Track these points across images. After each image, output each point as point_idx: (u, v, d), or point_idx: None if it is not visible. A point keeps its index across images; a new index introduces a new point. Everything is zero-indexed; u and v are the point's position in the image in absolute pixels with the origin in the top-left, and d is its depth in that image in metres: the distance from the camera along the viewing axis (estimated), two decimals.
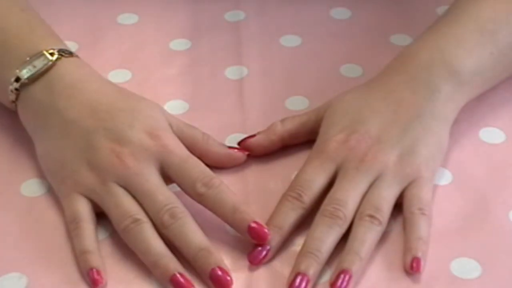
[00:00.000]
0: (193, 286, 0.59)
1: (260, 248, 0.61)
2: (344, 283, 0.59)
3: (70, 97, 0.67)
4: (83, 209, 0.63)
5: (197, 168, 0.64)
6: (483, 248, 0.62)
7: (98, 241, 0.62)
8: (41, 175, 0.68)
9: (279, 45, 0.82)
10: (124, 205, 0.62)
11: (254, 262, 0.61)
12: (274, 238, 0.61)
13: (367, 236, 0.61)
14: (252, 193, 0.67)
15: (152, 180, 0.63)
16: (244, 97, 0.76)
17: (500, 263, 0.61)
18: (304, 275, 0.59)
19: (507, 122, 0.73)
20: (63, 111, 0.66)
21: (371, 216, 0.61)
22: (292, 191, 0.64)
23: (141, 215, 0.62)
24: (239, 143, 0.69)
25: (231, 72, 0.79)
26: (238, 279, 0.60)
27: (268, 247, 0.61)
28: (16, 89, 0.68)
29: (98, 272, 0.60)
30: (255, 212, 0.65)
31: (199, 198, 0.63)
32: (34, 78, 0.68)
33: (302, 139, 0.70)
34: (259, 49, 0.82)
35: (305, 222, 0.64)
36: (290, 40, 0.83)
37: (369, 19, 0.86)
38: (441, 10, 0.84)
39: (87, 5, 0.87)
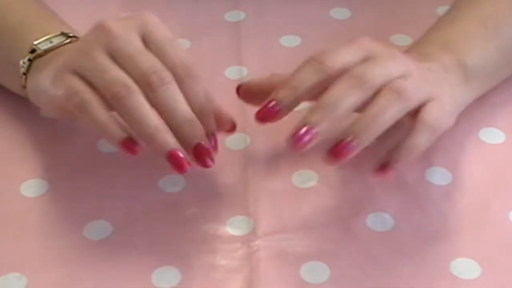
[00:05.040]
0: (189, 164, 0.59)
1: (270, 105, 0.59)
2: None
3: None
4: (79, 83, 0.62)
5: (176, 51, 0.63)
6: (483, 248, 0.62)
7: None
8: (41, 175, 0.68)
9: (279, 45, 0.82)
10: (111, 71, 0.61)
11: (263, 119, 0.60)
12: (287, 96, 0.59)
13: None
14: (252, 193, 0.67)
15: (137, 44, 0.62)
16: None
17: (500, 263, 0.61)
18: (312, 127, 0.57)
19: (507, 122, 0.73)
20: (67, 48, 0.67)
21: (398, 92, 0.60)
22: (315, 56, 0.61)
23: (130, 83, 0.60)
24: (237, 89, 0.68)
25: (231, 72, 0.79)
26: (238, 279, 0.60)
27: (279, 106, 0.59)
28: (29, 60, 0.68)
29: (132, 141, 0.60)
30: (256, 212, 0.65)
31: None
32: (49, 51, 0.68)
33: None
34: (259, 49, 0.82)
35: (305, 223, 0.64)
36: (290, 40, 0.83)
37: (369, 19, 0.86)
38: (441, 10, 0.84)
39: (87, 5, 0.88)
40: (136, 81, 0.60)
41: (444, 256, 0.62)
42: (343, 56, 0.62)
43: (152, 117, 0.59)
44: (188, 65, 0.62)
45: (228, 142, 0.71)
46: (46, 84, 0.65)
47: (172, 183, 0.67)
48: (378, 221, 0.64)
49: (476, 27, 0.71)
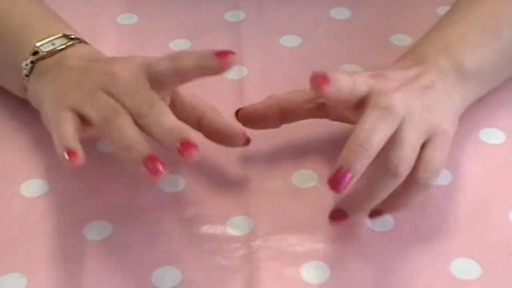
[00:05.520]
0: (165, 167, 0.59)
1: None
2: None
3: (81, 58, 0.68)
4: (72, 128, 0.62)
5: None
6: (483, 248, 0.62)
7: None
8: (41, 175, 0.68)
9: (279, 45, 0.82)
10: (103, 101, 0.62)
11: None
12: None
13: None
14: (252, 193, 0.67)
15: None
16: (244, 97, 0.76)
17: (500, 263, 0.61)
18: (348, 170, 0.58)
19: (507, 122, 0.73)
20: (70, 62, 0.67)
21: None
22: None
23: (119, 108, 0.62)
24: (236, 113, 0.69)
25: (231, 72, 0.78)
26: (238, 279, 0.60)
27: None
28: (32, 62, 0.68)
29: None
30: (256, 212, 0.65)
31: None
32: (51, 53, 0.68)
33: (302, 112, 0.69)
34: (259, 49, 0.82)
35: (305, 223, 0.64)
36: (290, 40, 0.83)
37: (369, 19, 0.86)
38: (441, 10, 0.84)
39: (87, 5, 0.88)
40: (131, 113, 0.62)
41: (444, 256, 0.62)
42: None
43: (131, 133, 0.60)
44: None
45: None
46: (51, 119, 0.65)
47: (172, 183, 0.67)
48: (378, 221, 0.64)
49: (474, 29, 0.70)
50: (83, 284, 0.60)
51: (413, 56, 0.69)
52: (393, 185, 0.60)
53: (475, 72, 0.68)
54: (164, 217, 0.65)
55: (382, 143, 0.60)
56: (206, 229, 0.64)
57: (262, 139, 0.71)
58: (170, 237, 0.64)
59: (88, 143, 0.71)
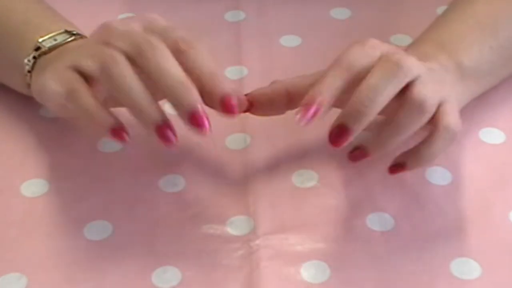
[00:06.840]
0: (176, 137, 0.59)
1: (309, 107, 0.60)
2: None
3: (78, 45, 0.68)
4: (72, 74, 0.62)
5: (177, 32, 0.63)
6: (483, 248, 0.62)
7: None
8: (41, 175, 0.68)
9: (279, 45, 0.82)
10: (103, 50, 0.61)
11: (306, 120, 0.61)
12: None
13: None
14: (252, 193, 0.67)
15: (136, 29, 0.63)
16: None
17: (500, 263, 0.61)
18: (347, 131, 0.60)
19: (507, 122, 0.73)
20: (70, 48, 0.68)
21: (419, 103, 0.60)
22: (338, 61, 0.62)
23: (118, 55, 0.61)
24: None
25: (231, 72, 0.79)
26: (238, 279, 0.60)
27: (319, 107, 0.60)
28: (34, 58, 0.68)
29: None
30: (256, 212, 0.65)
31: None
32: (53, 49, 0.68)
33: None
34: (259, 49, 0.82)
35: (305, 223, 0.64)
36: (290, 40, 0.83)
37: (369, 19, 0.86)
38: (441, 10, 0.84)
39: (87, 5, 0.88)
40: (129, 55, 0.61)
41: (444, 256, 0.62)
42: (361, 61, 0.62)
43: (137, 86, 0.59)
44: (190, 39, 0.63)
45: (228, 142, 0.71)
46: (47, 82, 0.64)
47: (172, 183, 0.67)
48: (378, 221, 0.64)
49: (471, 27, 0.71)
50: (83, 284, 0.60)
51: (412, 53, 0.69)
52: (419, 120, 0.60)
53: (472, 70, 0.69)
54: (164, 217, 0.65)
55: (386, 102, 0.60)
56: (206, 229, 0.64)
57: (262, 138, 0.71)
58: (170, 237, 0.64)
59: (88, 143, 0.71)
